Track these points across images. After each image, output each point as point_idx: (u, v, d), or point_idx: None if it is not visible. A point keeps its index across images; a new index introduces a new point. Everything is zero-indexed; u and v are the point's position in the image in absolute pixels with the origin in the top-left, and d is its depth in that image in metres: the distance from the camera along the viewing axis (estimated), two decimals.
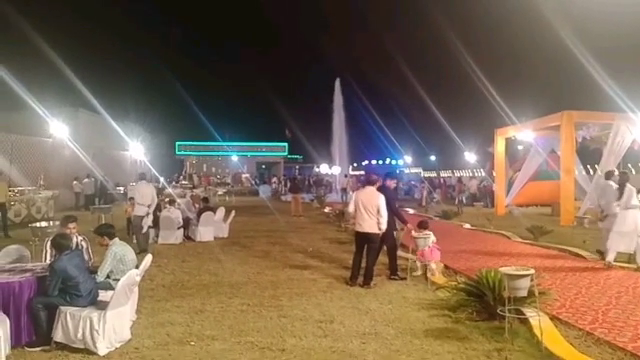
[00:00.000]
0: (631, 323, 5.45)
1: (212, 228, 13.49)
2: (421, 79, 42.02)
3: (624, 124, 16.46)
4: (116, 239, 5.83)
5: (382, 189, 8.27)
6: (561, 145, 17.53)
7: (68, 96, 27.45)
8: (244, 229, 15.61)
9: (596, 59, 17.19)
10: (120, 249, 5.65)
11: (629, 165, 24.29)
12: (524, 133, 20.43)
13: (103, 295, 5.30)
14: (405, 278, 8.03)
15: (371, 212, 7.68)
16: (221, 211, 14.86)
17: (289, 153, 75.01)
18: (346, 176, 35.24)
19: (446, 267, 9.16)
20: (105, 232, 5.82)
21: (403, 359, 4.61)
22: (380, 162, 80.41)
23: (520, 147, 24.07)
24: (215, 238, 13.31)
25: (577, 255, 10.12)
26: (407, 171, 62.21)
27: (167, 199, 14.75)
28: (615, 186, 9.37)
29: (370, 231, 7.73)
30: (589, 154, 20.90)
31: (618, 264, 9.06)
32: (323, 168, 52.65)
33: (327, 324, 5.65)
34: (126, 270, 5.39)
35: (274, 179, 45.92)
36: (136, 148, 39.79)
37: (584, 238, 12.13)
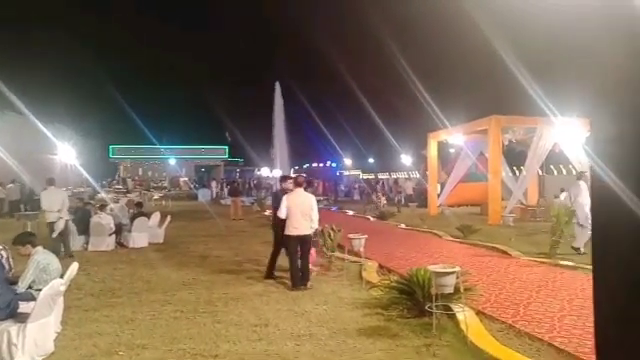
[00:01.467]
0: (549, 315, 5.83)
1: (146, 234, 13.09)
2: (360, 84, 42.70)
3: (547, 128, 17.57)
4: (39, 247, 5.53)
5: (283, 192, 8.48)
6: (489, 148, 18.43)
7: None
8: (181, 234, 15.24)
9: (523, 65, 18.20)
10: (43, 258, 5.37)
11: (551, 166, 25.91)
12: (455, 136, 21.32)
13: (25, 307, 5.02)
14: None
15: (306, 214, 7.78)
16: (156, 216, 14.46)
17: (229, 156, 74.11)
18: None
19: (380, 266, 9.41)
20: (26, 240, 5.51)
21: (336, 359, 4.69)
22: (321, 165, 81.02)
23: (452, 150, 25.07)
24: (150, 244, 12.92)
25: (503, 252, 10.67)
26: (347, 173, 63.08)
27: (97, 204, 14.17)
28: (584, 185, 10.31)
29: (306, 233, 7.86)
30: (515, 156, 22.11)
31: (539, 259, 9.67)
32: (264, 171, 52.33)
33: (262, 328, 5.64)
34: (50, 280, 5.13)
35: (213, 182, 45.12)
36: (67, 152, 37.92)
37: (510, 236, 12.84)
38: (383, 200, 25.60)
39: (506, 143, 19.60)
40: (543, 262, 9.42)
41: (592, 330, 4.06)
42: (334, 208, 26.89)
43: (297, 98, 47.88)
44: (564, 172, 25.05)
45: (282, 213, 7.87)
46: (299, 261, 7.88)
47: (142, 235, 12.90)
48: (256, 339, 5.25)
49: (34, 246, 5.46)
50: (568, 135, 17.14)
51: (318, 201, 29.99)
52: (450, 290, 5.17)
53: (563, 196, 18.30)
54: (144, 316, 6.20)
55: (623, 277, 3.02)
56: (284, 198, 8.01)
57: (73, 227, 12.37)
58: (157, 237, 13.57)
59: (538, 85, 16.71)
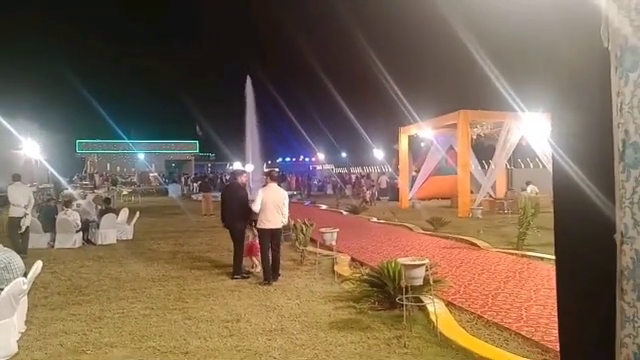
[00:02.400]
0: (516, 305, 5.97)
1: (115, 230, 12.83)
2: (332, 79, 42.88)
3: (514, 122, 17.94)
4: None
5: (234, 186, 8.52)
6: (458, 142, 18.71)
7: None
8: (151, 230, 14.99)
9: (491, 61, 18.52)
10: (4, 256, 5.18)
11: (519, 160, 26.50)
12: (425, 131, 21.57)
13: None
14: (249, 275, 8.10)
15: (279, 208, 7.86)
16: (125, 212, 14.19)
17: (200, 151, 73.22)
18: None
19: (352, 259, 9.46)
20: None
21: (308, 353, 4.69)
22: (293, 159, 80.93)
23: (422, 144, 25.36)
24: (118, 241, 12.68)
25: (472, 244, 10.87)
26: (320, 168, 63.17)
27: (63, 201, 13.81)
28: None
29: (278, 227, 7.94)
30: (484, 150, 22.51)
31: (507, 250, 9.89)
32: (236, 166, 51.86)
33: (233, 323, 5.60)
34: (12, 279, 4.97)
35: (184, 177, 44.53)
36: (31, 147, 36.78)
37: (478, 228, 13.08)
38: (368, 193, 25.81)
39: (474, 137, 19.93)
40: (511, 253, 9.64)
41: (556, 319, 4.15)
42: (307, 202, 26.89)
43: (270, 93, 47.66)
44: (531, 165, 25.65)
45: (257, 206, 7.85)
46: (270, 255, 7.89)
47: (110, 232, 12.63)
48: (227, 335, 5.21)
49: None
50: (534, 129, 17.54)
51: (291, 195, 30.14)
52: (420, 282, 5.22)
53: (529, 189, 18.79)
54: (112, 314, 6.08)
55: (584, 266, 3.08)
56: (260, 192, 8.08)
57: (38, 224, 12.04)
58: (126, 233, 13.33)
59: (506, 80, 17.03)
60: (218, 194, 29.21)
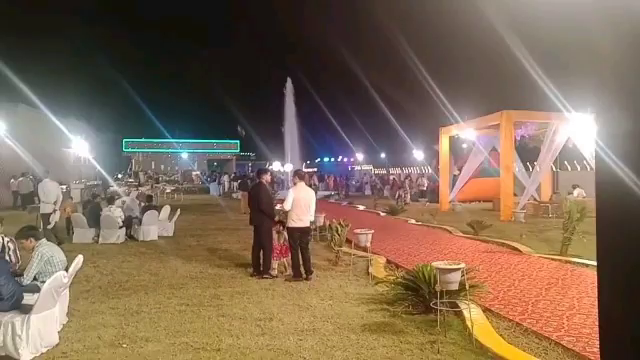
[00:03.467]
0: (557, 313, 5.72)
1: (156, 227, 13.15)
2: (371, 79, 42.62)
3: (559, 123, 17.30)
4: (43, 240, 5.55)
5: (259, 185, 8.53)
6: (501, 143, 18.20)
7: (6, 91, 26.12)
8: (191, 227, 15.30)
9: (535, 59, 17.94)
10: (47, 250, 5.39)
11: (565, 162, 25.56)
12: (466, 131, 21.09)
13: (30, 298, 5.05)
14: (276, 276, 8.06)
15: (309, 207, 8.04)
16: (166, 209, 14.53)
17: (241, 150, 74.39)
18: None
19: (388, 261, 9.34)
20: (28, 234, 5.51)
21: (338, 355, 4.65)
22: (332, 160, 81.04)
23: (464, 145, 24.84)
24: (159, 237, 12.98)
25: (514, 249, 10.53)
26: (358, 168, 62.95)
27: (106, 197, 14.30)
28: None
29: (307, 225, 8.14)
30: (528, 152, 21.83)
31: (550, 256, 9.53)
32: (275, 165, 52.43)
33: (266, 322, 5.62)
34: (54, 272, 5.15)
35: (225, 176, 45.29)
36: (80, 145, 38.29)
37: (521, 232, 12.67)
38: (408, 195, 25.58)
39: (518, 138, 19.33)
40: (554, 259, 9.28)
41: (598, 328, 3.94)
42: (344, 203, 26.82)
43: (310, 94, 47.93)
44: (578, 168, 24.70)
45: (288, 205, 7.96)
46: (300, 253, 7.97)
47: (152, 228, 12.96)
48: (259, 333, 5.23)
49: (37, 239, 5.47)
50: (581, 130, 16.86)
51: (329, 196, 30.25)
52: (455, 287, 5.08)
53: (576, 192, 18.08)
54: (150, 309, 6.22)
55: (629, 273, 2.90)
56: (291, 191, 8.19)
57: (83, 220, 12.51)
58: (167, 230, 13.64)
59: (550, 80, 16.45)
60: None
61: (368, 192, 36.76)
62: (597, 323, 4.95)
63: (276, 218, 8.71)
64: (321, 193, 36.22)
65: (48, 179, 11.59)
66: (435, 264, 5.26)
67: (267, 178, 8.84)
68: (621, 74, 2.67)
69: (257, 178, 8.98)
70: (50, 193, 11.18)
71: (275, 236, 8.40)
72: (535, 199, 19.90)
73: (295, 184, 8.39)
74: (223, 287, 7.40)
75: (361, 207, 23.43)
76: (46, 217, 11.02)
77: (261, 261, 8.16)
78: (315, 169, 68.05)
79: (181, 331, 5.32)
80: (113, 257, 10.15)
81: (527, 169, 22.30)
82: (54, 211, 11.13)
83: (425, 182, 28.98)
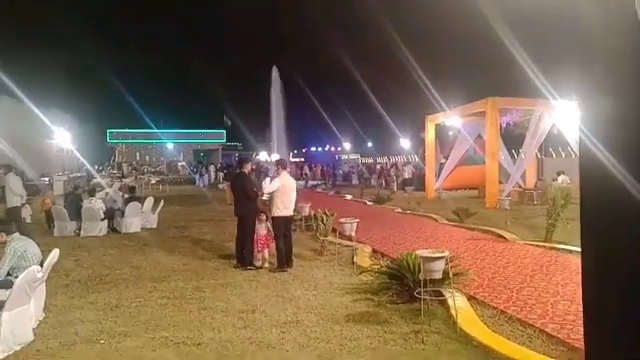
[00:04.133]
0: (542, 300, 5.70)
1: (139, 219, 12.94)
2: (358, 67, 42.32)
3: (544, 110, 17.33)
4: (15, 234, 5.36)
5: (241, 175, 8.44)
6: (486, 130, 18.20)
7: None
8: (175, 219, 15.11)
9: (521, 46, 17.91)
10: (20, 244, 5.21)
11: (550, 149, 25.71)
12: (452, 119, 21.05)
13: (2, 294, 4.88)
14: (261, 267, 7.96)
15: (292, 196, 8.10)
16: (149, 201, 14.33)
17: (228, 140, 73.82)
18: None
19: (373, 251, 9.29)
20: (0, 228, 5.33)
21: (322, 347, 4.57)
22: (319, 149, 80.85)
23: (450, 133, 24.83)
24: (143, 229, 12.79)
25: (499, 236, 10.54)
26: (345, 157, 62.90)
27: (87, 189, 14.06)
28: None
29: (291, 214, 8.24)
30: (513, 139, 21.87)
31: (534, 243, 9.55)
32: (262, 155, 52.12)
33: (249, 314, 5.52)
34: (28, 267, 4.99)
35: (211, 167, 44.90)
36: (63, 136, 37.65)
37: (506, 219, 12.71)
38: (395, 185, 25.58)
39: (504, 125, 19.35)
40: (538, 246, 9.30)
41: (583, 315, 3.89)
42: (331, 192, 26.76)
43: (297, 83, 47.53)
44: (563, 155, 24.86)
45: (274, 187, 7.92)
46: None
47: (135, 220, 12.76)
48: (241, 326, 5.13)
49: (9, 233, 5.29)
50: (567, 117, 16.91)
51: (316, 185, 30.14)
52: (439, 276, 5.02)
53: (561, 179, 18.19)
54: (130, 303, 6.08)
55: (613, 256, 2.83)
56: (277, 179, 8.11)
57: (64, 212, 12.27)
58: (150, 222, 13.44)
59: (536, 67, 16.44)
60: None
61: (355, 181, 36.74)
62: (581, 309, 4.91)
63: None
64: (309, 182, 36.14)
65: (12, 173, 11.45)
66: (419, 252, 5.20)
67: (248, 167, 8.74)
68: (610, 58, 2.56)
69: (238, 168, 8.86)
70: (18, 186, 11.09)
71: (258, 226, 8.29)
72: (520, 186, 19.99)
73: (278, 173, 8.30)
74: (206, 279, 7.28)
75: (348, 196, 23.36)
76: (18, 209, 10.85)
77: (244, 252, 8.05)
78: (302, 159, 67.93)
79: (161, 325, 5.20)
80: (94, 250, 9.96)
81: (512, 156, 22.37)
82: (23, 205, 10.98)
83: (407, 170, 28.97)
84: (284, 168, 8.43)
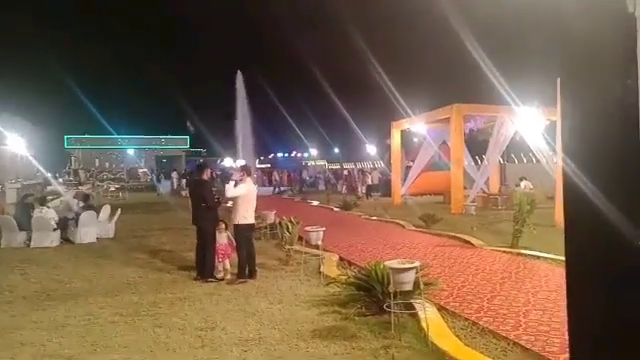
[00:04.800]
0: (513, 310, 5.54)
1: (94, 228, 12.29)
2: (324, 73, 42.26)
3: (507, 116, 17.56)
4: None
5: (200, 182, 8.11)
6: (451, 136, 18.30)
7: None
8: (134, 228, 14.45)
9: (485, 54, 18.16)
10: None
11: (512, 155, 26.16)
12: (417, 125, 21.14)
13: None
14: (222, 279, 7.60)
15: (254, 203, 7.93)
16: (106, 209, 13.68)
17: (191, 146, 72.51)
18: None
19: (341, 259, 9.03)
20: None
21: None
22: (286, 155, 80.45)
23: (415, 139, 24.95)
24: (99, 239, 12.15)
25: (465, 242, 10.47)
26: (312, 163, 62.72)
27: (38, 198, 13.29)
28: None
29: (254, 222, 8.06)
30: (477, 145, 22.13)
31: (501, 249, 9.49)
32: (227, 162, 51.30)
33: (207, 332, 5.13)
34: None
35: (174, 173, 43.82)
36: (16, 142, 36.00)
37: (472, 225, 12.69)
38: (361, 189, 25.52)
39: (467, 132, 19.54)
40: (506, 252, 9.25)
41: (559, 327, 3.69)
42: (297, 198, 26.45)
43: (262, 88, 47.10)
44: (525, 160, 25.33)
45: (239, 192, 7.61)
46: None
47: (90, 230, 12.10)
48: (199, 345, 4.74)
49: None
50: (529, 123, 17.18)
51: (283, 191, 29.74)
52: (409, 287, 4.79)
53: (523, 184, 18.46)
54: (78, 321, 5.60)
55: (602, 270, 2.58)
56: (243, 184, 7.78)
57: (12, 222, 11.53)
58: (107, 231, 12.80)
59: (500, 74, 16.66)
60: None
61: (322, 187, 36.54)
62: (554, 320, 4.72)
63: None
64: (277, 189, 35.68)
65: None
66: (388, 264, 4.95)
67: (208, 174, 8.32)
68: (592, 49, 2.33)
69: (197, 174, 8.44)
70: None
71: (219, 235, 7.90)
72: (484, 191, 20.19)
73: (243, 179, 7.94)
74: (163, 293, 6.84)
75: (315, 202, 23.14)
76: None
77: (205, 264, 7.65)
78: (269, 165, 67.35)
79: (110, 346, 4.75)
80: (44, 263, 9.33)
81: (476, 162, 22.63)
82: None
83: (373, 176, 28.98)
84: (249, 174, 8.11)
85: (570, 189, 2.53)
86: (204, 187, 7.95)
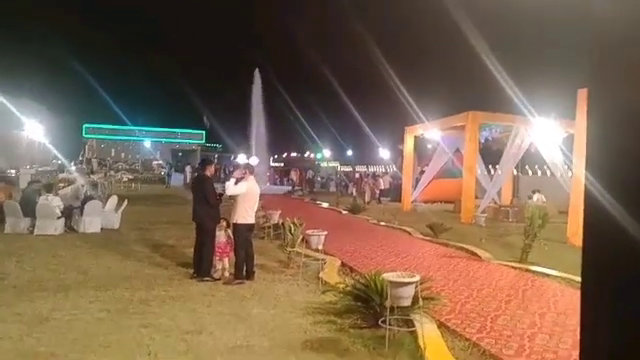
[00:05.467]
0: (518, 332, 5.23)
1: (99, 218, 12.19)
2: (339, 76, 42.12)
3: (523, 127, 17.14)
4: None
5: (202, 178, 7.89)
6: (465, 144, 17.93)
7: None
8: (141, 219, 14.33)
9: (501, 62, 17.80)
10: None
11: (526, 166, 25.63)
12: (431, 132, 20.78)
13: None
14: (219, 278, 7.39)
15: (257, 202, 7.82)
16: (113, 199, 13.59)
17: (207, 141, 72.69)
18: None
19: (342, 264, 8.77)
20: None
21: None
22: (299, 155, 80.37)
23: (429, 146, 24.57)
24: (103, 229, 12.05)
25: (473, 254, 10.14)
26: (325, 165, 62.47)
27: (43, 185, 13.25)
28: None
29: (254, 221, 7.92)
30: (491, 154, 21.69)
31: (509, 263, 9.15)
32: (240, 158, 51.22)
33: (194, 336, 4.92)
34: None
35: (188, 167, 43.87)
36: (34, 128, 36.29)
37: (481, 236, 12.34)
38: (368, 194, 25.27)
39: (482, 140, 19.15)
40: (514, 267, 8.91)
41: (566, 355, 3.38)
42: (307, 199, 26.23)
43: (278, 89, 46.99)
44: (539, 173, 24.79)
45: (241, 189, 7.44)
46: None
47: (94, 219, 12.00)
48: (182, 350, 4.53)
49: None
50: (544, 135, 16.75)
51: (293, 191, 29.51)
52: (408, 303, 4.53)
53: (536, 197, 17.99)
54: (63, 315, 5.42)
55: (615, 303, 2.27)
56: (244, 182, 7.59)
57: (17, 208, 11.47)
58: (112, 222, 12.68)
59: (517, 84, 16.30)
60: (221, 186, 28.86)
61: (333, 189, 36.28)
62: (561, 346, 4.39)
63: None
64: (286, 188, 35.52)
65: None
66: (386, 276, 4.69)
67: (211, 170, 8.10)
68: (624, 39, 2.02)
69: (200, 170, 8.22)
70: None
71: (218, 233, 7.71)
72: (496, 202, 19.76)
73: (245, 176, 7.76)
74: (156, 290, 6.65)
75: (324, 204, 22.90)
76: None
77: (202, 262, 7.45)
78: (282, 163, 67.24)
79: (90, 346, 4.55)
80: (44, 251, 9.23)
81: (489, 172, 22.19)
82: None
83: (387, 181, 28.60)
84: (252, 173, 7.93)
85: (592, 204, 2.21)
86: (206, 183, 7.75)
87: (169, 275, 7.60)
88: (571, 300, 6.58)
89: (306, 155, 77.80)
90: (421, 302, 4.80)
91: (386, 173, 33.19)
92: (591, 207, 1.95)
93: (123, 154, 64.97)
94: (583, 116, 12.61)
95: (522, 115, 16.53)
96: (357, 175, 38.56)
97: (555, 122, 16.34)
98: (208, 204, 7.54)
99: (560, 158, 16.72)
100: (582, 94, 12.48)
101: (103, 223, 12.29)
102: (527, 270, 8.60)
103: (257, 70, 41.46)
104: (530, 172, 25.80)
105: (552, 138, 16.81)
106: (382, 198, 23.60)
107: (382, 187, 26.38)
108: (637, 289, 1.90)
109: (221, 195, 7.98)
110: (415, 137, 22.57)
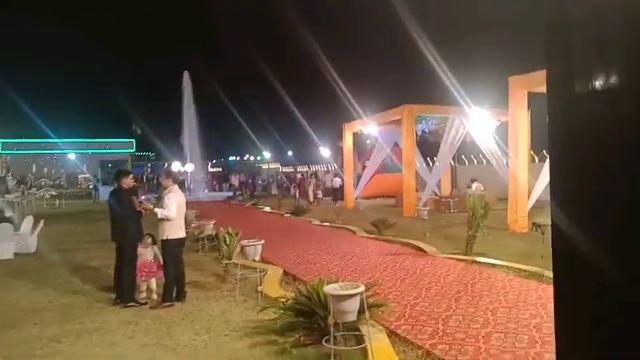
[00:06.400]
0: (472, 333, 4.88)
1: (11, 243, 10.93)
2: (276, 75, 41.48)
3: (459, 117, 17.29)
4: None
5: (118, 192, 7.02)
6: (402, 138, 17.86)
7: None
8: (62, 240, 13.10)
9: (438, 54, 17.90)
10: None
11: (463, 156, 26.10)
12: (369, 127, 20.64)
13: None
14: (145, 303, 6.65)
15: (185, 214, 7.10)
16: (28, 221, 12.28)
17: (138, 150, 69.68)
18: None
19: (285, 273, 8.21)
20: None
21: None
22: (238, 158, 79.04)
23: (368, 141, 24.46)
24: (17, 255, 10.81)
25: (418, 249, 9.90)
26: (265, 167, 61.63)
27: None
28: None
29: (185, 235, 7.14)
30: (429, 147, 21.85)
31: (455, 256, 8.96)
32: (175, 165, 49.43)
33: None
34: None
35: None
36: None
37: (424, 230, 12.18)
38: (319, 194, 24.86)
39: (419, 133, 19.20)
40: (460, 259, 8.71)
41: (524, 354, 3.03)
42: (248, 204, 25.44)
43: (213, 90, 45.80)
44: (475, 162, 25.31)
45: (173, 212, 6.58)
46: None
47: (5, 245, 10.73)
48: None
49: None
50: (479, 125, 16.96)
51: (234, 196, 28.61)
52: (353, 317, 4.04)
53: (474, 186, 18.24)
54: None
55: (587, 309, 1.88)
56: (172, 197, 6.76)
57: None
58: (27, 246, 11.42)
59: (452, 75, 16.40)
60: (150, 196, 27.35)
61: (275, 191, 35.62)
62: (518, 345, 4.05)
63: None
64: (226, 194, 34.47)
65: None
66: (328, 289, 4.17)
67: (128, 182, 7.16)
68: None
69: (115, 182, 7.29)
70: None
71: (143, 251, 6.93)
72: (436, 194, 19.89)
73: (167, 188, 6.98)
74: (71, 323, 5.81)
75: (266, 208, 22.25)
76: None
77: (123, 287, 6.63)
78: (220, 169, 65.71)
79: None
80: None
81: (428, 164, 22.35)
82: None
83: (330, 179, 28.26)
84: (175, 182, 7.17)
85: (558, 204, 1.74)
86: (121, 197, 6.89)
87: (88, 303, 6.72)
88: (520, 291, 6.39)
89: (246, 158, 76.55)
90: (367, 314, 4.32)
91: (328, 172, 32.93)
92: (557, 204, 1.53)
93: (46, 169, 60.89)
94: (515, 103, 12.81)
95: (457, 106, 16.65)
96: (299, 176, 38.13)
97: (488, 111, 16.58)
98: (125, 220, 6.71)
99: (495, 146, 16.98)
100: (513, 81, 12.60)
101: (17, 248, 11.05)
102: (473, 262, 8.43)
103: (186, 73, 40.10)
104: (467, 162, 26.31)
105: (486, 127, 17.05)
106: (325, 197, 23.20)
107: (336, 186, 25.74)
108: (609, 293, 1.53)
109: (141, 205, 7.10)
110: (354, 133, 22.38)
